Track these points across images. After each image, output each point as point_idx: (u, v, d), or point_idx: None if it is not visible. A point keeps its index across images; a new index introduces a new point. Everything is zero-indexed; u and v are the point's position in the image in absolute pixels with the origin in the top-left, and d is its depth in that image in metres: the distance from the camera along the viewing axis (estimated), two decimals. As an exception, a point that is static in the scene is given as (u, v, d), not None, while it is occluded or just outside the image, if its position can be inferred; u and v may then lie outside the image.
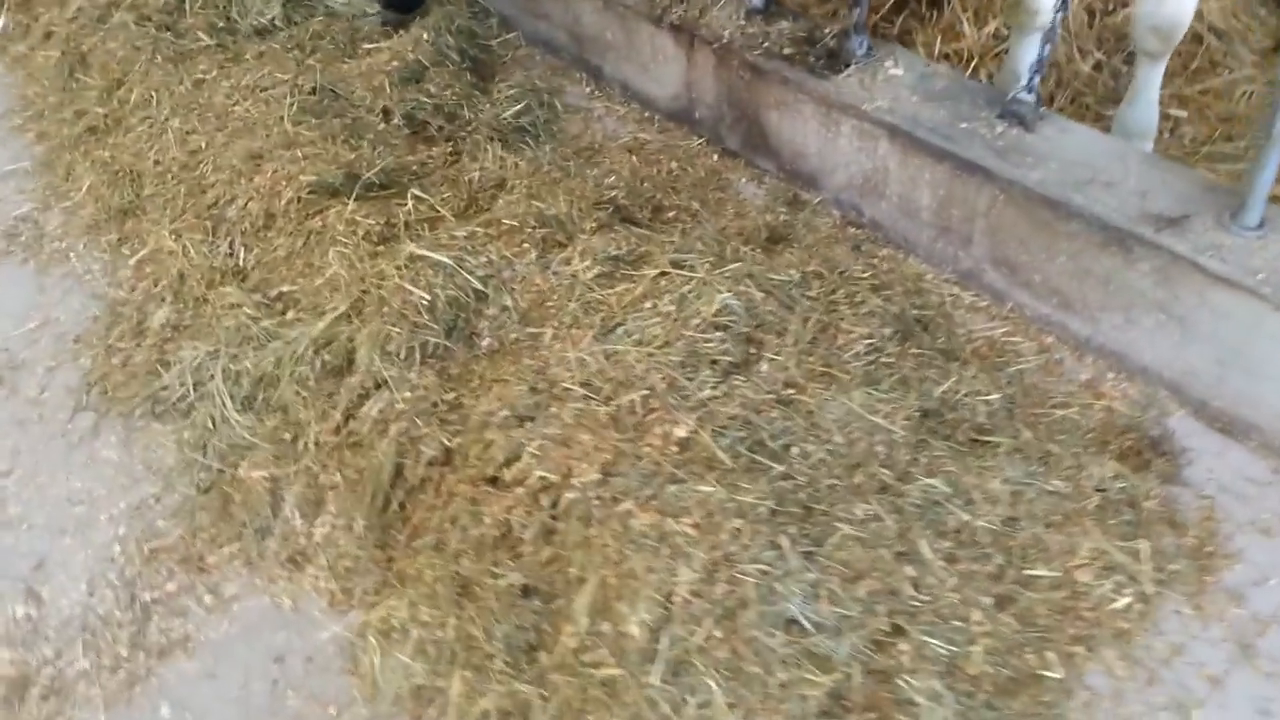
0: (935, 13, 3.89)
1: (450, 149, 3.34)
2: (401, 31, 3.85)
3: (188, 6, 3.95)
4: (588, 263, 2.50)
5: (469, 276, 2.47)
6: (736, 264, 2.52)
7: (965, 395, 2.52)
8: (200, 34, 3.84)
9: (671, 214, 3.24)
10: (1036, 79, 2.73)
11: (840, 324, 2.57)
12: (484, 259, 2.55)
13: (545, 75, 4.00)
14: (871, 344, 2.53)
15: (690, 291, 2.38)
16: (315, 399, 2.53)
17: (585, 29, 3.85)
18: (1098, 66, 3.86)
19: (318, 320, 2.57)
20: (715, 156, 3.54)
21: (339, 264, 2.64)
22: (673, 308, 2.35)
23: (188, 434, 2.71)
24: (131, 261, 3.27)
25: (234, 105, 3.41)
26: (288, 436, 2.56)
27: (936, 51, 3.77)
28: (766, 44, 3.19)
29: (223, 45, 3.81)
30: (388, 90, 3.48)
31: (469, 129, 3.50)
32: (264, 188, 2.97)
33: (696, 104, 3.54)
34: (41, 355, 3.08)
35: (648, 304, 2.38)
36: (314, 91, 3.37)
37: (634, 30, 3.62)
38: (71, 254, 3.41)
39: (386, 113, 3.42)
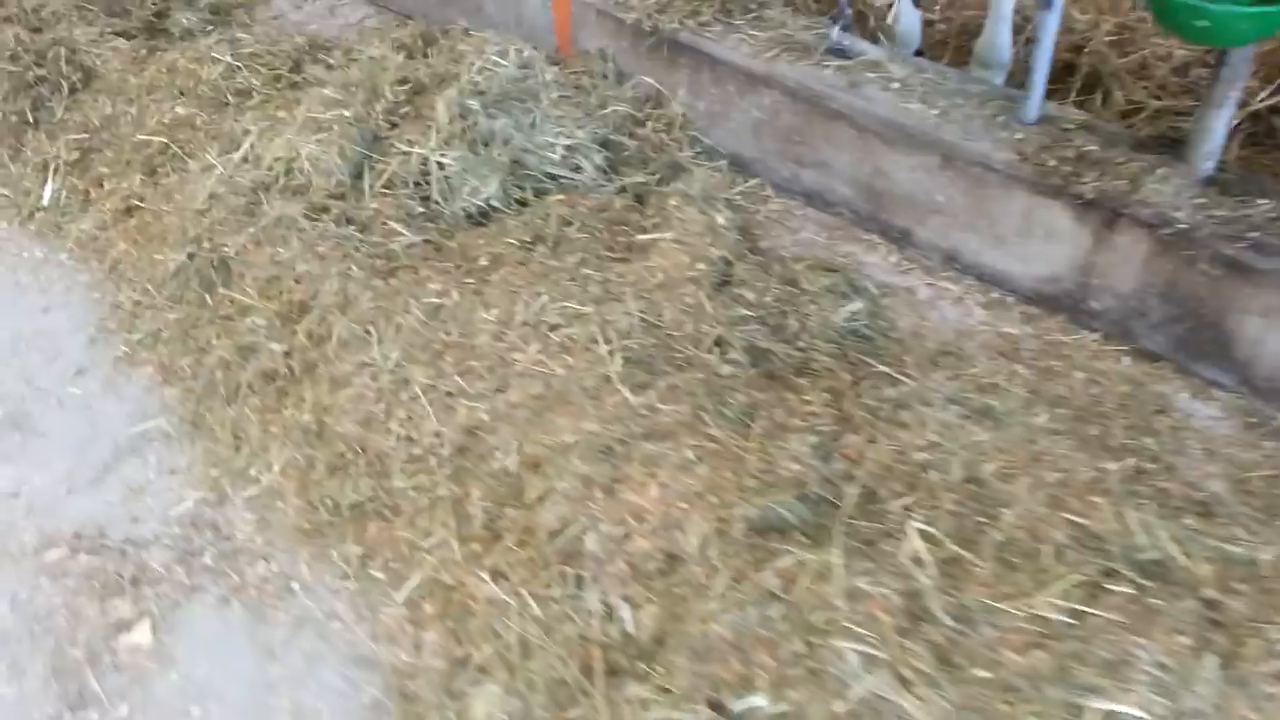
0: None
1: (824, 391, 2.43)
2: (655, 203, 2.92)
3: (366, 186, 2.91)
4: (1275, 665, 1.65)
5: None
6: None
7: None
8: (394, 225, 2.82)
9: (1131, 460, 2.41)
10: None
11: None
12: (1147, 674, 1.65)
13: (826, 242, 3.13)
14: None
15: None
16: None
17: (892, 185, 2.98)
18: None
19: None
20: (1126, 360, 2.71)
21: (880, 679, 1.71)
22: None
23: None
24: (399, 597, 2.27)
25: (511, 351, 2.43)
26: None
27: None
28: (1258, 234, 2.38)
29: (434, 244, 2.80)
30: (707, 308, 2.53)
31: (803, 349, 2.60)
32: (653, 514, 2.01)
33: (1095, 292, 2.70)
34: (317, 780, 2.07)
35: None
36: (628, 330, 2.41)
37: (990, 195, 2.77)
38: (294, 583, 2.38)
39: (720, 345, 2.48)
